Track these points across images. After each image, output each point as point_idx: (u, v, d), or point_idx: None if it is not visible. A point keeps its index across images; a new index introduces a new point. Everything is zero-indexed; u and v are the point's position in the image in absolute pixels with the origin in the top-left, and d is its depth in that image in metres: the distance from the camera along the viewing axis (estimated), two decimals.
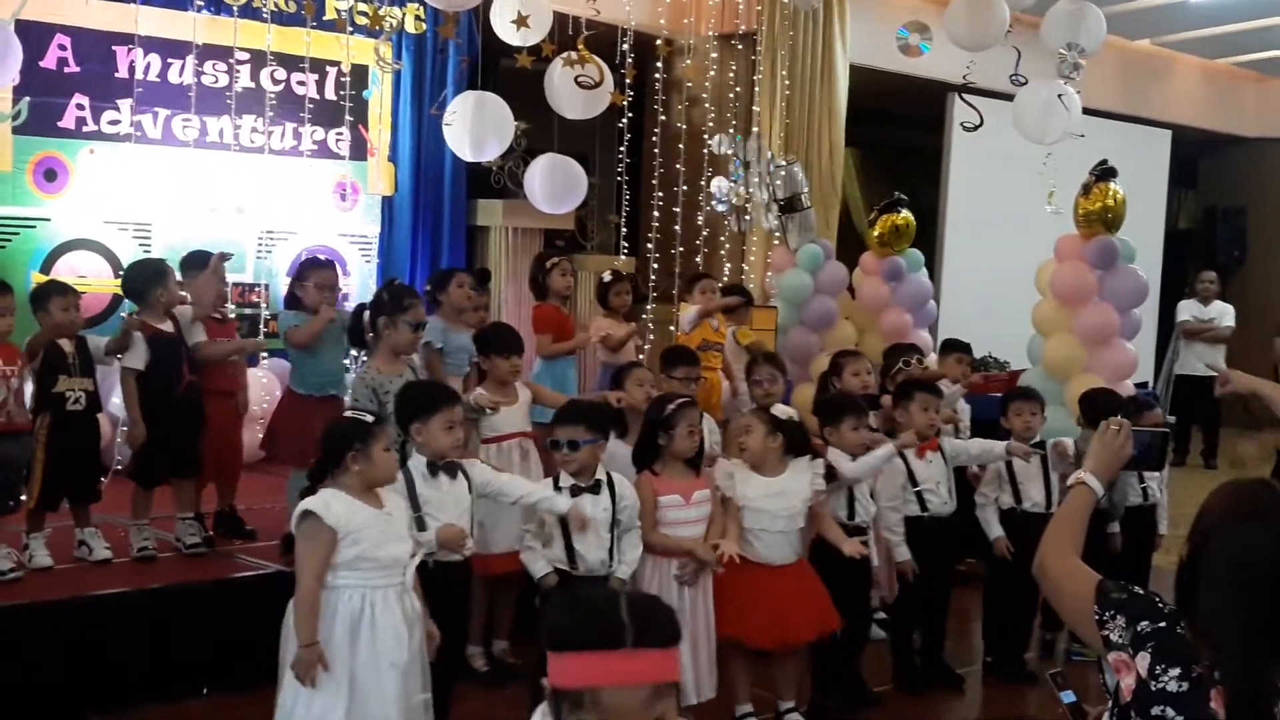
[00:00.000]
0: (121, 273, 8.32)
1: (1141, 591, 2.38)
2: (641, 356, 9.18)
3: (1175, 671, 2.22)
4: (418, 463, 4.80)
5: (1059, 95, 7.81)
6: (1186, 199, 16.29)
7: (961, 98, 8.35)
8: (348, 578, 4.18)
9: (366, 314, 5.85)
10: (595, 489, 4.95)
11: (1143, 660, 2.25)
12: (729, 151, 9.65)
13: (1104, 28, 7.92)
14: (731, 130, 10.29)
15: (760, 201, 9.54)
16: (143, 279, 6.25)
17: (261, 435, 6.89)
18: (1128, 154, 10.42)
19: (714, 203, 9.70)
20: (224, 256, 6.67)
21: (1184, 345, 12.90)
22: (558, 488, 4.96)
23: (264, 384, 8.54)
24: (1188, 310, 12.87)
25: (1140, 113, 13.98)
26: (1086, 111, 8.41)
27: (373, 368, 5.67)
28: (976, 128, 8.09)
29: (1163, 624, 2.29)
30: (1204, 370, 12.59)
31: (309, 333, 6.30)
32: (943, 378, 7.33)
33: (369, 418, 4.40)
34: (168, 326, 6.14)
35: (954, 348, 7.90)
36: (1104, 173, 8.53)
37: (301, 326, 6.34)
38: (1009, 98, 8.18)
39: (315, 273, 6.48)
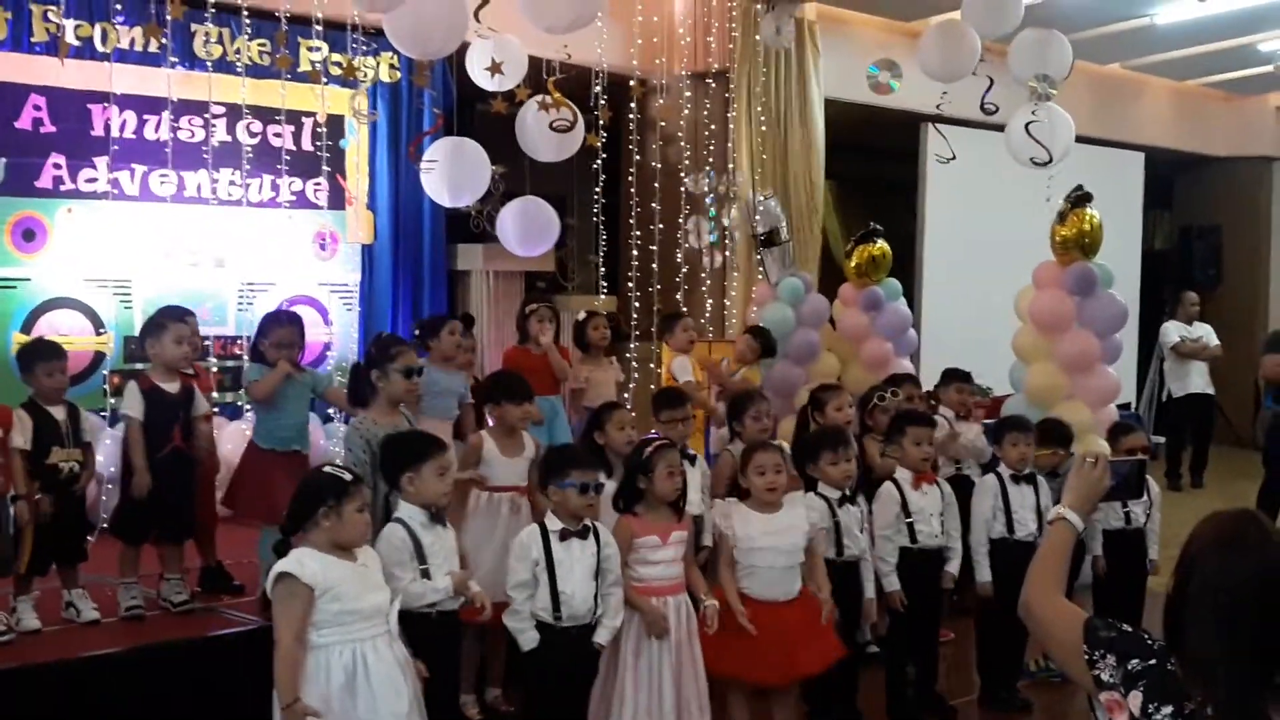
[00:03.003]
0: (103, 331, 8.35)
1: (1130, 629, 2.38)
2: (627, 395, 9.20)
3: (1168, 709, 2.21)
4: (413, 513, 4.78)
5: (1025, 124, 7.85)
6: (1162, 220, 16.41)
7: (936, 129, 8.42)
8: (335, 634, 4.18)
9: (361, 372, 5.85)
10: (584, 534, 4.94)
11: (1135, 699, 2.25)
12: (706, 189, 9.70)
13: (1069, 54, 7.98)
14: (708, 168, 10.34)
15: (740, 236, 9.58)
16: (141, 334, 6.23)
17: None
18: (1102, 177, 10.49)
19: (691, 239, 9.76)
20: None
21: (1177, 365, 12.92)
22: (546, 531, 4.94)
23: (246, 435, 8.51)
24: (1176, 331, 12.92)
25: (1113, 136, 14.09)
26: None
27: (368, 419, 5.62)
28: (950, 160, 8.15)
29: (1153, 661, 2.29)
30: (1200, 388, 12.67)
31: (264, 388, 6.29)
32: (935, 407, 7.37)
33: (347, 476, 4.39)
34: (167, 384, 6.05)
35: (954, 377, 7.95)
36: (1079, 199, 8.57)
37: (259, 381, 6.32)
38: (983, 127, 8.24)
39: (274, 330, 6.44)
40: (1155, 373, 14.55)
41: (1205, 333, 12.91)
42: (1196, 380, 12.77)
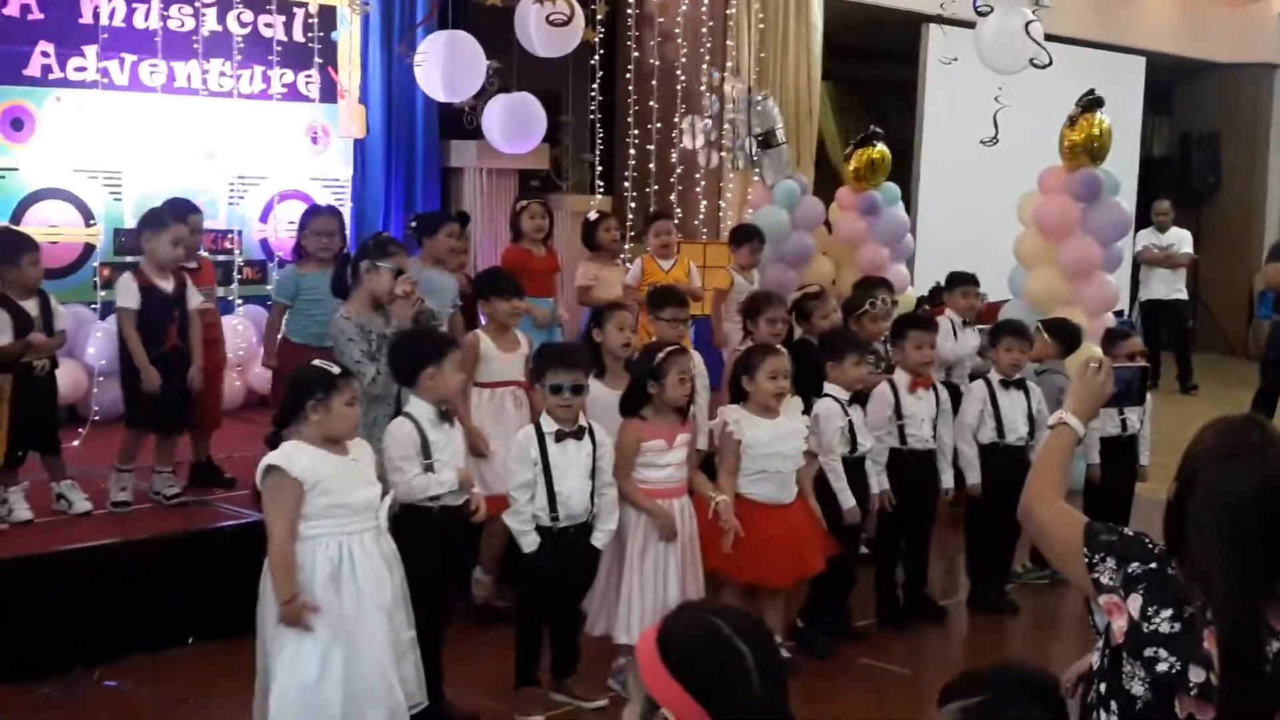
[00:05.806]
0: (93, 222, 8.26)
1: (1131, 533, 2.37)
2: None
3: (1167, 613, 2.21)
4: (423, 409, 4.77)
5: (1025, 24, 7.73)
6: (1161, 126, 16.28)
7: (939, 29, 8.29)
8: (323, 526, 4.18)
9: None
10: (579, 435, 4.93)
11: (1134, 602, 2.24)
12: (731, 88, 9.60)
13: None
14: (706, 65, 10.21)
15: (740, 137, 9.48)
16: (140, 224, 6.17)
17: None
18: (1102, 82, 10.34)
19: (686, 139, 9.66)
20: None
21: (1145, 271, 12.99)
22: (541, 432, 4.93)
23: (239, 330, 8.49)
24: (1145, 239, 12.96)
25: (1114, 40, 13.92)
26: (1061, 40, 8.36)
27: (356, 310, 5.54)
28: (952, 61, 8.05)
29: (1153, 565, 2.28)
30: (1162, 295, 12.76)
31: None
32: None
33: (335, 370, 4.36)
34: (162, 282, 5.99)
35: (960, 281, 7.97)
36: (1090, 103, 8.49)
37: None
38: None
39: (315, 220, 6.67)
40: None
41: (1178, 240, 12.93)
42: (1157, 287, 12.86)
